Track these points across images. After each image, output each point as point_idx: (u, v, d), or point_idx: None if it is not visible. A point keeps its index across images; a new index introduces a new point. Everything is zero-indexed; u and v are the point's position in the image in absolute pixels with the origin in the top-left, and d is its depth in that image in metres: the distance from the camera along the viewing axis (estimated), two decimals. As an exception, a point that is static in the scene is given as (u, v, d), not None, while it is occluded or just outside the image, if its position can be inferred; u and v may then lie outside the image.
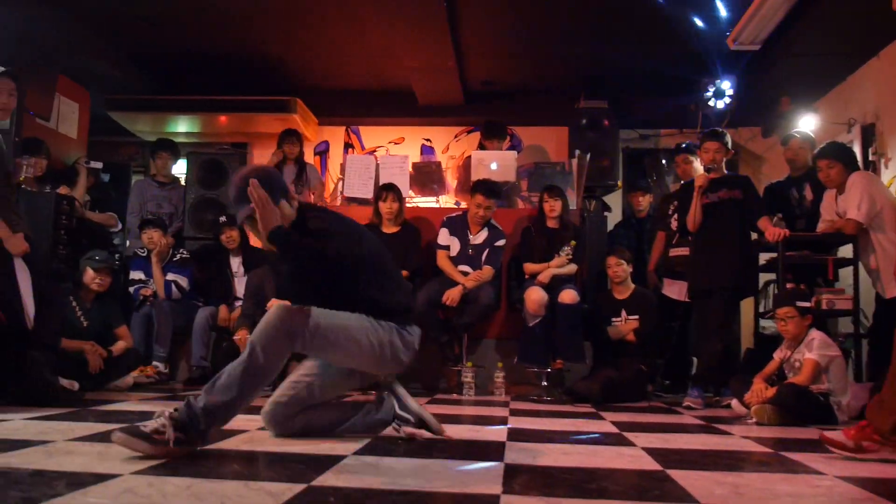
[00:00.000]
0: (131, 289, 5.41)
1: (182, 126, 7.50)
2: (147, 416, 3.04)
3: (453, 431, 3.03)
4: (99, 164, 5.99)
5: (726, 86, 6.48)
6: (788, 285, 4.41)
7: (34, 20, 5.55)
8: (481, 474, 2.11)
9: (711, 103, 6.57)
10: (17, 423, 2.86)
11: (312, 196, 6.57)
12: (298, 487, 1.81)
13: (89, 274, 4.58)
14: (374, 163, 5.94)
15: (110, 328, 4.69)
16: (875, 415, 2.52)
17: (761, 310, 5.42)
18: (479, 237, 5.11)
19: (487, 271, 5.00)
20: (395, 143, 7.74)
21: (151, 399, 4.09)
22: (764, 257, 5.03)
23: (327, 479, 1.94)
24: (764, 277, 5.18)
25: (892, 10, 3.19)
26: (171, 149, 6.36)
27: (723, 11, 5.47)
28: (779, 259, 4.49)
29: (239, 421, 2.51)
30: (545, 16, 5.74)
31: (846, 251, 4.70)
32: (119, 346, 4.61)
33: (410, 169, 6.00)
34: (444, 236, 5.17)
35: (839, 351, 3.80)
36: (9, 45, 5.23)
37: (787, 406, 3.63)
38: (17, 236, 3.69)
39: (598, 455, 2.49)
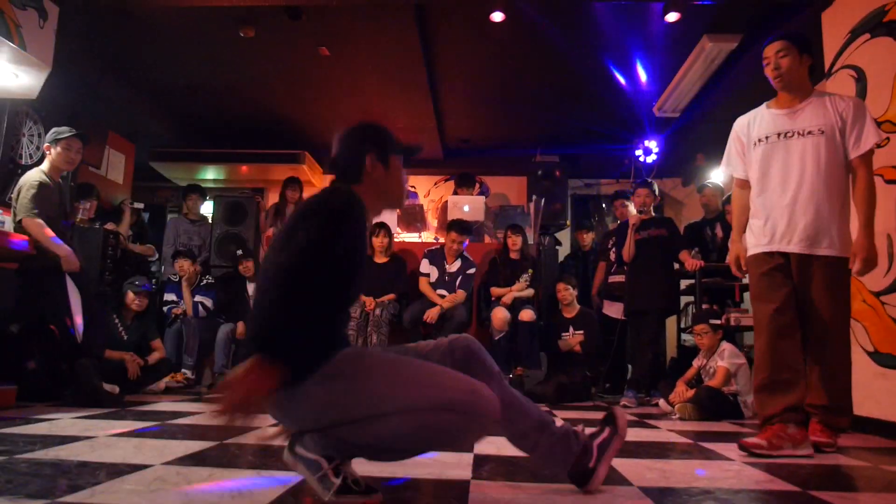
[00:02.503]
0: (165, 308, 5.34)
1: (210, 174, 7.47)
2: (178, 414, 2.99)
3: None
4: (141, 205, 5.96)
5: (653, 144, 6.60)
6: (704, 306, 4.46)
7: (96, 84, 5.57)
8: (454, 463, 2.10)
9: (642, 158, 6.69)
10: (65, 422, 2.81)
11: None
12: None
13: (130, 296, 4.53)
14: (368, 205, 5.93)
15: (147, 341, 4.62)
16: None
17: (682, 326, 5.45)
18: (454, 266, 5.13)
19: (461, 294, 5.01)
20: (386, 189, 7.75)
21: (181, 400, 4.03)
22: (684, 283, 5.08)
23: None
24: (684, 300, 5.22)
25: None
26: (200, 192, 6.33)
27: (633, 86, 5.59)
28: (696, 285, 4.54)
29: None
30: (509, 85, 5.82)
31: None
32: (154, 357, 4.55)
33: (398, 210, 6.03)
34: (425, 265, 5.18)
35: (745, 359, 3.84)
36: (72, 105, 5.22)
37: (704, 405, 3.66)
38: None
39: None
